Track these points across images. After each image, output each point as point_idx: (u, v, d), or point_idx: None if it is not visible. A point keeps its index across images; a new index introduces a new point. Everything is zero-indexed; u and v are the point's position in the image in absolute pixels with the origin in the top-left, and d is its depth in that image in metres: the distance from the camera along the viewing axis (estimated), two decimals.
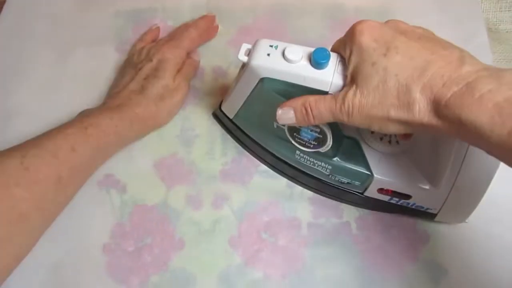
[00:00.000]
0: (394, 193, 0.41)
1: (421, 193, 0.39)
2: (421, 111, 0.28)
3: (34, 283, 0.41)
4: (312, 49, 0.34)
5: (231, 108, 0.44)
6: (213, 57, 0.52)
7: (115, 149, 0.45)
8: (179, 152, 0.47)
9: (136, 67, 0.48)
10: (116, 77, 0.51)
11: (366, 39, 0.30)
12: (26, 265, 0.41)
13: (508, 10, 0.54)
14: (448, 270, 0.42)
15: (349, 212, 0.44)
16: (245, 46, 0.37)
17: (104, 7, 0.56)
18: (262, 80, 0.36)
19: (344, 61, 0.33)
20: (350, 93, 0.31)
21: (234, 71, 0.51)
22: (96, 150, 0.41)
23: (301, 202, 0.45)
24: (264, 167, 0.46)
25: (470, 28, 0.53)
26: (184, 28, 0.51)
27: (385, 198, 0.41)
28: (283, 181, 0.46)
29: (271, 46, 0.35)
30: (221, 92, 0.50)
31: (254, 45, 0.36)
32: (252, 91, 0.38)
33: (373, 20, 0.32)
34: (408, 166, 0.40)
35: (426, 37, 0.31)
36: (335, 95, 0.32)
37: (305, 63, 0.34)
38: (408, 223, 0.44)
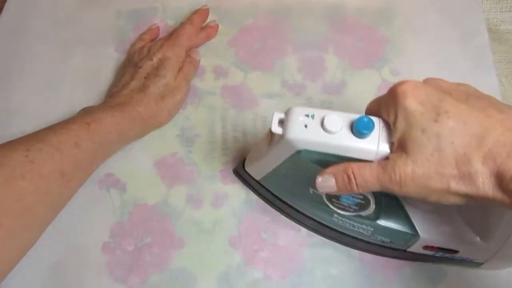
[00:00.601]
0: (440, 249, 0.38)
1: (470, 248, 0.37)
2: (485, 184, 0.26)
3: (34, 282, 0.41)
4: (352, 116, 0.31)
5: (258, 171, 0.41)
6: (214, 57, 0.52)
7: (116, 147, 0.45)
8: (179, 152, 0.47)
9: (136, 66, 0.48)
10: (116, 76, 0.51)
11: (411, 102, 0.28)
12: (26, 264, 0.41)
13: (509, 11, 0.54)
14: (448, 272, 0.42)
15: None
16: (277, 116, 0.34)
17: (104, 7, 0.56)
18: (298, 151, 0.33)
19: (387, 126, 0.31)
20: (401, 162, 0.28)
21: (234, 71, 0.51)
22: (98, 147, 0.41)
23: None
24: None
25: (471, 28, 0.53)
26: (180, 26, 0.51)
27: (430, 253, 0.39)
28: None
29: (307, 115, 0.32)
30: (221, 92, 0.50)
31: (287, 115, 0.33)
32: (286, 159, 0.35)
33: (413, 80, 0.29)
34: (455, 222, 0.37)
35: (473, 96, 0.29)
36: (381, 162, 0.30)
37: (346, 132, 0.31)
38: None
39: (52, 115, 0.48)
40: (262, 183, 0.42)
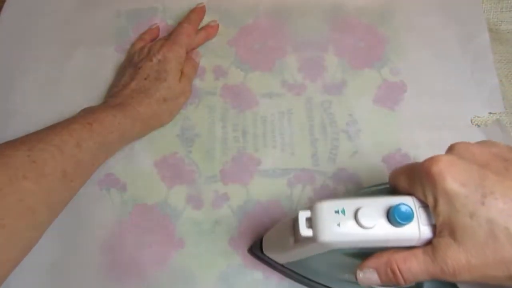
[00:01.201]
0: None
1: None
2: None
3: (34, 282, 0.41)
4: (386, 202, 0.28)
5: (281, 258, 0.38)
6: (214, 57, 0.52)
7: (117, 147, 0.45)
8: (179, 152, 0.47)
9: (136, 67, 0.48)
10: (116, 76, 0.51)
11: (451, 185, 0.26)
12: (25, 263, 0.41)
13: (509, 11, 0.54)
14: None
15: None
16: (303, 215, 0.29)
17: (105, 7, 0.56)
18: (332, 249, 0.30)
19: (424, 205, 0.28)
20: (452, 251, 0.26)
21: (234, 71, 0.51)
22: (100, 146, 0.41)
23: (301, 202, 0.45)
24: (264, 166, 0.46)
25: (471, 28, 0.53)
26: (178, 25, 0.51)
27: None
28: (283, 181, 0.46)
29: (337, 211, 0.28)
30: (221, 91, 0.50)
31: (314, 213, 0.29)
32: (317, 254, 0.32)
33: (446, 156, 0.27)
34: None
35: (511, 162, 0.27)
36: (427, 251, 0.27)
37: (383, 223, 0.28)
38: None
39: (53, 115, 0.48)
40: (287, 266, 0.38)
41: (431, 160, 0.27)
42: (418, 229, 0.28)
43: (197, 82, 0.51)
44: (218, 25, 0.54)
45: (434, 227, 0.28)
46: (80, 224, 0.44)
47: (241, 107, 0.49)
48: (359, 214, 0.28)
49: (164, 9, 0.56)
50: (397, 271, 0.28)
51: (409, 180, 0.29)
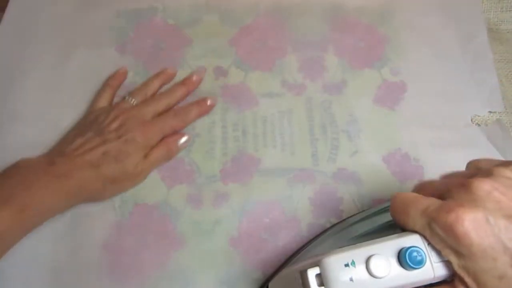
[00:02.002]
0: None
1: None
2: None
3: (34, 282, 0.41)
4: (396, 245, 0.27)
5: None
6: (214, 57, 0.52)
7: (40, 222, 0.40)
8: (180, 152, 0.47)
9: (102, 135, 0.43)
10: (73, 129, 0.46)
11: (478, 247, 0.24)
12: (26, 264, 0.41)
13: (509, 10, 0.54)
14: None
15: (349, 212, 0.44)
16: (312, 273, 0.28)
17: (104, 7, 0.56)
18: None
19: (433, 246, 0.27)
20: None
21: (234, 71, 0.51)
22: (26, 231, 0.38)
23: (301, 202, 0.45)
24: (264, 165, 0.46)
25: (471, 27, 0.53)
26: (168, 114, 0.46)
27: None
28: (283, 180, 0.46)
29: (347, 265, 0.27)
30: (221, 91, 0.50)
31: (324, 270, 0.27)
32: None
33: (468, 208, 0.25)
34: None
35: None
36: None
37: (396, 269, 0.27)
38: None
39: (53, 117, 0.49)
40: None
41: (455, 217, 0.25)
42: (432, 269, 0.27)
43: None
44: (214, 104, 0.49)
45: (447, 263, 0.27)
46: (81, 224, 0.44)
47: (241, 107, 0.49)
48: (371, 265, 0.27)
49: (164, 9, 0.56)
50: None
51: (422, 228, 0.27)
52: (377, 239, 0.28)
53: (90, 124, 0.45)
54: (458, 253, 0.25)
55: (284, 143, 0.48)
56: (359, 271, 0.27)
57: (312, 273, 0.28)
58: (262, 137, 0.48)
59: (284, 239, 0.43)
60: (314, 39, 0.53)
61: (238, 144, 0.48)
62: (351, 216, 0.42)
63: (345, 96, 0.50)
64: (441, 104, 0.50)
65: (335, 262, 0.27)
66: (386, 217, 0.37)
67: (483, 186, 0.26)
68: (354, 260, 0.27)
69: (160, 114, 0.47)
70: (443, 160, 0.46)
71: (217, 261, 0.42)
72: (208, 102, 0.48)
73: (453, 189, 0.27)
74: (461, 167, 0.32)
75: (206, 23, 0.54)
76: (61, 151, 0.43)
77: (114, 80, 0.50)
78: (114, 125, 0.44)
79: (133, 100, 0.47)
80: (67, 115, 0.49)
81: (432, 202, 0.27)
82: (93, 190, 0.42)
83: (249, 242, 0.43)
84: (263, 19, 0.55)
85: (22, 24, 0.55)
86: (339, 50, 0.52)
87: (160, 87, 0.50)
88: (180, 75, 0.51)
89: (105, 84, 0.49)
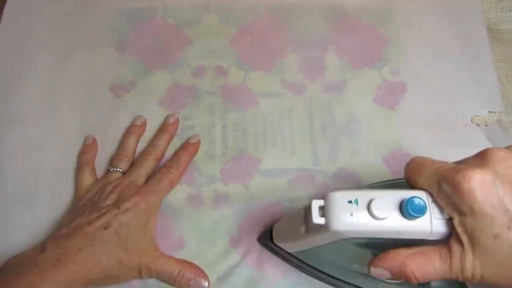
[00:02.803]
0: None
1: None
2: None
3: None
4: (399, 195, 0.28)
5: (291, 247, 0.38)
6: (214, 56, 0.52)
7: None
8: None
9: (98, 209, 0.39)
10: (68, 216, 0.42)
11: (480, 205, 0.25)
12: None
13: (509, 10, 0.53)
14: None
15: None
16: (316, 204, 0.29)
17: (104, 7, 0.56)
18: (344, 239, 0.30)
19: (436, 203, 0.28)
20: (469, 263, 0.26)
21: (234, 70, 0.51)
22: None
23: (301, 202, 0.45)
24: (264, 165, 0.46)
25: (470, 27, 0.53)
26: (165, 168, 0.44)
27: None
28: (283, 180, 0.46)
29: (350, 201, 0.29)
30: (221, 91, 0.50)
31: (327, 202, 0.29)
32: (328, 243, 0.32)
33: (479, 171, 0.26)
34: None
35: None
36: (443, 256, 0.27)
37: (395, 215, 0.28)
38: None
39: (52, 118, 0.49)
40: (296, 255, 0.39)
41: (463, 174, 0.26)
42: (430, 223, 0.28)
43: (197, 82, 0.51)
44: (197, 142, 0.47)
45: (447, 222, 0.28)
46: None
47: (241, 107, 0.49)
48: (372, 205, 0.28)
49: (164, 8, 0.56)
50: (412, 276, 0.28)
51: (431, 185, 0.28)
52: (384, 188, 0.29)
53: (84, 206, 0.41)
54: (459, 211, 0.26)
55: (284, 143, 0.48)
56: (360, 209, 0.28)
57: (316, 204, 0.29)
58: (262, 137, 0.48)
59: None
60: (314, 39, 0.53)
61: (238, 144, 0.48)
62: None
63: (345, 96, 0.50)
64: (441, 104, 0.50)
65: (340, 197, 0.29)
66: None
67: (498, 152, 0.27)
68: (358, 199, 0.28)
69: (151, 171, 0.45)
70: (443, 160, 0.46)
71: (217, 261, 0.42)
72: (193, 141, 0.47)
73: (469, 158, 0.29)
74: None
75: (206, 23, 0.54)
76: (53, 235, 0.38)
77: (86, 154, 0.46)
78: (111, 200, 0.40)
79: (119, 168, 0.44)
80: (67, 115, 0.49)
81: (445, 163, 0.28)
82: (79, 270, 0.36)
83: (249, 241, 0.43)
84: (263, 19, 0.55)
85: (21, 24, 0.55)
86: (339, 50, 0.52)
87: (137, 142, 0.47)
88: (180, 75, 0.51)
89: (81, 164, 0.46)
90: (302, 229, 0.33)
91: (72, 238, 0.37)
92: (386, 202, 0.28)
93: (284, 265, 0.42)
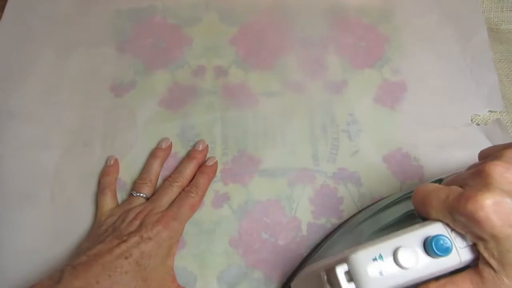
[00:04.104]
0: None
1: None
2: None
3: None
4: (421, 234, 0.28)
5: None
6: (214, 56, 0.52)
7: None
8: (179, 152, 0.47)
9: (120, 236, 0.38)
10: (88, 241, 0.41)
11: (500, 229, 0.25)
12: (27, 266, 0.41)
13: (509, 10, 0.53)
14: None
15: (349, 212, 0.44)
16: (341, 270, 0.28)
17: (104, 6, 0.55)
18: None
19: (456, 232, 0.28)
20: (504, 286, 0.26)
21: (234, 70, 0.51)
22: None
23: (302, 202, 0.45)
24: (264, 165, 0.46)
25: (470, 26, 0.53)
26: (185, 194, 0.43)
27: None
28: (283, 180, 0.46)
29: (375, 259, 0.27)
30: (221, 91, 0.50)
31: (352, 266, 0.27)
32: None
33: (487, 192, 0.25)
34: None
35: None
36: (474, 281, 0.27)
37: (423, 258, 0.27)
38: None
39: (52, 117, 0.49)
40: None
41: (474, 203, 0.25)
42: (458, 255, 0.27)
43: (197, 82, 0.51)
44: (213, 164, 0.46)
45: (471, 247, 0.27)
46: (81, 226, 0.44)
47: (242, 107, 0.49)
48: (399, 257, 0.27)
49: (164, 8, 0.56)
50: None
51: (445, 217, 0.28)
52: (401, 231, 0.28)
53: (105, 231, 0.40)
54: (480, 238, 0.26)
55: (285, 143, 0.48)
56: (387, 264, 0.27)
57: (341, 270, 0.28)
58: (262, 137, 0.48)
59: (284, 239, 0.43)
60: (315, 38, 0.53)
61: (238, 144, 0.48)
62: (355, 215, 0.42)
63: (345, 95, 0.50)
64: (441, 103, 0.49)
65: (363, 257, 0.27)
66: (393, 213, 0.37)
67: (495, 169, 0.26)
68: (382, 254, 0.27)
69: (175, 198, 0.43)
70: (443, 159, 0.46)
71: (217, 261, 0.42)
72: (210, 164, 0.46)
73: (469, 177, 0.28)
74: (462, 166, 0.32)
75: (206, 22, 0.54)
76: (72, 263, 0.36)
77: (108, 176, 0.45)
78: (133, 226, 0.39)
79: (142, 194, 0.44)
80: (67, 114, 0.49)
81: (451, 191, 0.27)
82: None
83: (249, 242, 0.43)
84: (264, 18, 0.55)
85: (21, 22, 0.55)
86: (339, 49, 0.52)
87: (161, 166, 0.46)
88: (181, 75, 0.51)
89: (102, 186, 0.45)
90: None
91: (91, 267, 0.35)
92: (411, 248, 0.27)
93: (285, 265, 0.42)
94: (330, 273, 0.29)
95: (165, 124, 0.48)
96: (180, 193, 0.43)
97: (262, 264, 0.42)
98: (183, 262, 0.42)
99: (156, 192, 0.44)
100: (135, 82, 0.51)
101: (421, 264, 0.27)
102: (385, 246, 0.28)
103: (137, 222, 0.39)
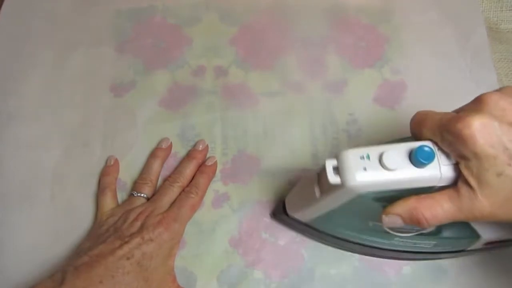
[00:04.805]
0: (501, 242, 0.38)
1: None
2: None
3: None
4: (408, 146, 0.30)
5: (305, 215, 0.38)
6: (214, 56, 0.52)
7: None
8: (179, 152, 0.47)
9: (122, 237, 0.38)
10: (88, 241, 0.41)
11: (483, 148, 0.27)
12: (29, 267, 0.41)
13: (509, 10, 0.53)
14: (448, 270, 0.42)
15: None
16: (330, 163, 0.30)
17: (104, 6, 0.55)
18: (359, 195, 0.31)
19: (443, 151, 0.29)
20: (478, 203, 0.28)
21: (234, 70, 0.51)
22: None
23: None
24: (264, 165, 0.46)
25: (469, 26, 0.53)
26: (185, 194, 0.43)
27: (489, 246, 0.39)
28: (283, 180, 0.46)
29: (362, 157, 0.30)
30: (221, 91, 0.50)
31: (341, 160, 0.30)
32: (343, 203, 0.33)
33: (477, 117, 0.27)
34: None
35: None
36: (452, 198, 0.29)
37: (406, 165, 0.29)
38: None
39: (52, 116, 0.49)
40: (310, 224, 0.39)
41: (463, 122, 0.27)
42: (439, 169, 0.29)
43: (197, 82, 0.51)
44: (213, 164, 0.46)
45: (454, 167, 0.29)
46: (81, 226, 0.44)
47: (242, 106, 0.49)
48: (384, 157, 0.29)
49: (164, 8, 0.56)
50: (422, 219, 0.29)
51: (435, 135, 0.30)
52: (391, 141, 0.31)
53: (106, 231, 0.40)
54: (464, 156, 0.28)
55: (285, 143, 0.48)
56: (372, 163, 0.29)
57: (329, 164, 0.30)
58: (262, 137, 0.48)
59: (284, 239, 0.43)
60: (315, 38, 0.53)
61: (238, 144, 0.48)
62: None
63: (345, 95, 0.50)
64: (441, 102, 0.49)
65: (352, 154, 0.30)
66: None
67: (492, 96, 0.28)
68: (369, 154, 0.30)
69: (175, 199, 0.43)
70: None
71: (217, 261, 0.42)
72: (210, 163, 0.46)
73: (466, 105, 0.30)
74: None
75: (206, 22, 0.54)
76: (74, 263, 0.36)
77: (108, 176, 0.46)
78: (135, 227, 0.39)
79: (143, 194, 0.44)
80: (66, 114, 0.49)
81: (447, 114, 0.29)
82: None
83: (249, 242, 0.43)
84: (264, 18, 0.55)
85: (20, 22, 0.55)
86: (339, 49, 0.52)
87: (162, 166, 0.46)
88: (180, 75, 0.51)
89: (103, 186, 0.45)
90: (317, 193, 0.33)
91: (93, 268, 0.36)
92: (396, 153, 0.29)
93: (285, 265, 0.42)
94: (321, 172, 0.31)
95: (165, 124, 0.49)
96: (180, 194, 0.43)
97: (262, 264, 0.42)
98: (183, 262, 0.42)
99: (156, 193, 0.44)
100: (135, 82, 0.51)
101: (403, 168, 0.29)
102: (374, 148, 0.30)
103: (138, 223, 0.40)
